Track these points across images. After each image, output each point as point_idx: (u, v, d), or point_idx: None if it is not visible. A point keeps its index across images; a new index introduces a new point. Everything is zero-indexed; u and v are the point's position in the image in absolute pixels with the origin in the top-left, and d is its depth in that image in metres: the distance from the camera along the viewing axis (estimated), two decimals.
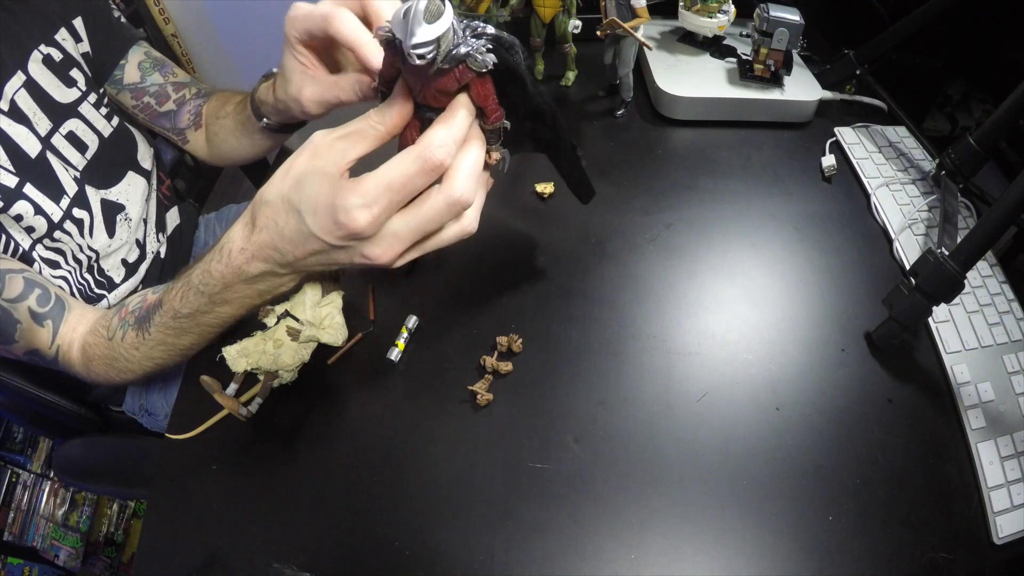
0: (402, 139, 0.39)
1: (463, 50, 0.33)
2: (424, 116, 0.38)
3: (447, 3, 0.32)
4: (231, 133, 0.70)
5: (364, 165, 0.37)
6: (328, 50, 0.50)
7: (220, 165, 0.79)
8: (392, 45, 0.34)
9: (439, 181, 0.37)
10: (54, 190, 0.58)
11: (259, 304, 0.46)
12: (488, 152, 0.40)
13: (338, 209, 0.35)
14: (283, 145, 0.77)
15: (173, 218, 0.80)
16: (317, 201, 0.36)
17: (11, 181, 0.54)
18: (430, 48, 0.32)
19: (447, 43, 0.32)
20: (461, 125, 0.36)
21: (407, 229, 0.37)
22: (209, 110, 0.72)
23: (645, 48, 0.73)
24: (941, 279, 0.48)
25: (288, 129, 0.64)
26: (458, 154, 0.37)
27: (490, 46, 0.34)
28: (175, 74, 0.72)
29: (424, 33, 0.31)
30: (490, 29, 0.34)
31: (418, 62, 0.32)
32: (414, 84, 0.36)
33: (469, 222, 0.40)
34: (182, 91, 0.72)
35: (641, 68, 0.80)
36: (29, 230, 0.56)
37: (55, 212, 0.57)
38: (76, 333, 0.54)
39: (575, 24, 0.72)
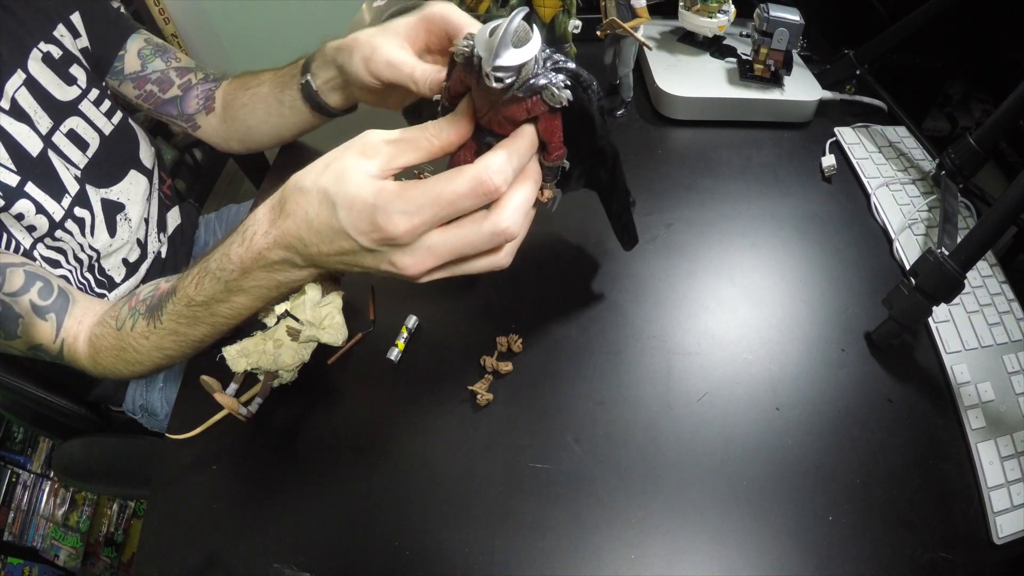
0: (453, 159, 0.38)
1: (541, 82, 0.32)
2: (483, 140, 0.36)
3: (535, 30, 0.31)
4: (262, 102, 0.66)
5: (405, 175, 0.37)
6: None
7: (236, 149, 0.74)
8: (469, 63, 0.32)
9: (487, 207, 0.36)
10: (55, 189, 0.58)
11: (275, 298, 0.45)
12: (541, 189, 0.38)
13: (378, 210, 0.34)
14: (282, 147, 0.77)
15: (174, 218, 0.80)
16: (356, 198, 0.35)
17: (12, 180, 0.54)
18: (510, 73, 0.31)
19: (527, 71, 0.31)
20: (524, 156, 0.35)
21: (443, 247, 0.36)
22: (230, 89, 0.70)
23: (645, 48, 0.73)
24: (941, 279, 0.48)
25: (321, 109, 0.62)
26: (513, 185, 0.35)
27: (568, 82, 0.33)
28: (178, 59, 0.71)
29: (509, 57, 0.30)
30: (571, 64, 0.33)
31: (495, 85, 0.31)
32: (481, 106, 0.35)
33: (505, 256, 0.39)
34: (187, 75, 0.70)
35: (641, 68, 0.80)
36: (30, 229, 0.56)
37: (56, 211, 0.57)
38: (82, 326, 0.52)
39: (575, 24, 0.71)
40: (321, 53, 0.58)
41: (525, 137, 0.35)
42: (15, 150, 0.55)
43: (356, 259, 0.38)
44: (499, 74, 0.31)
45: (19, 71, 0.56)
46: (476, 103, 0.36)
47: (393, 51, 0.48)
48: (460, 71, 0.35)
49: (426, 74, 0.45)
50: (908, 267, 0.53)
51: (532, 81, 0.32)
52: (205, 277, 0.44)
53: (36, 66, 0.58)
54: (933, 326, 0.54)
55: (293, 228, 0.38)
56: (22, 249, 0.55)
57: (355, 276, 0.58)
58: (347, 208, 0.35)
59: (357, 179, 0.35)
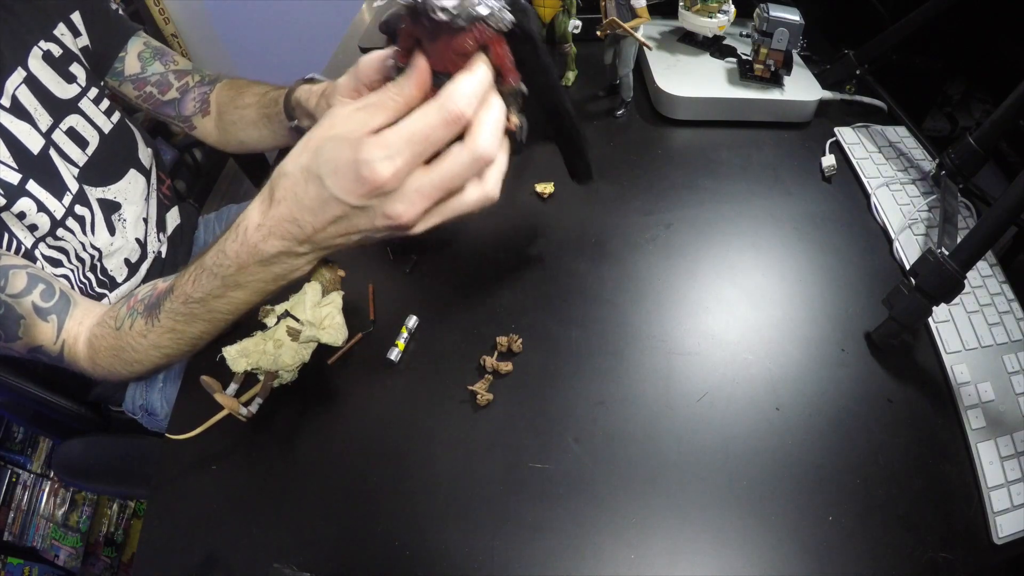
0: None
1: (482, 10, 0.34)
2: (443, 85, 0.38)
3: None
4: (252, 124, 0.69)
5: None
6: None
7: (234, 152, 0.78)
8: (414, 10, 0.34)
9: (461, 139, 0.37)
10: (56, 187, 0.58)
11: (273, 290, 0.45)
12: (508, 117, 0.39)
13: (360, 164, 0.35)
14: (282, 148, 0.77)
15: (173, 218, 0.80)
16: (338, 162, 0.35)
17: (14, 178, 0.54)
18: (454, 4, 0.33)
19: (467, 1, 0.34)
20: (481, 78, 0.36)
21: (430, 185, 0.36)
22: (222, 98, 0.72)
23: (645, 48, 0.73)
24: (941, 279, 0.48)
25: None
26: (479, 110, 0.36)
27: (508, 7, 0.35)
28: (176, 62, 0.72)
29: None
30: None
31: (441, 16, 0.33)
32: (431, 51, 0.37)
33: (492, 185, 0.39)
34: (184, 78, 0.72)
35: (641, 68, 0.80)
36: (32, 228, 0.56)
37: (57, 209, 0.57)
38: (82, 327, 0.53)
39: (575, 24, 0.72)
40: (298, 107, 0.61)
41: (477, 62, 0.36)
42: (16, 148, 0.55)
43: (351, 224, 0.38)
44: (442, 3, 0.33)
45: (20, 69, 0.56)
46: (426, 50, 0.37)
47: (343, 82, 0.52)
48: (407, 26, 0.37)
49: (373, 65, 0.48)
50: (908, 267, 0.53)
51: (473, 10, 0.34)
52: (202, 274, 0.44)
53: (36, 64, 0.58)
54: (933, 326, 0.54)
55: (285, 212, 0.38)
56: (23, 249, 0.55)
57: (355, 275, 0.59)
58: (332, 174, 0.36)
59: (335, 145, 0.36)
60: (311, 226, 0.38)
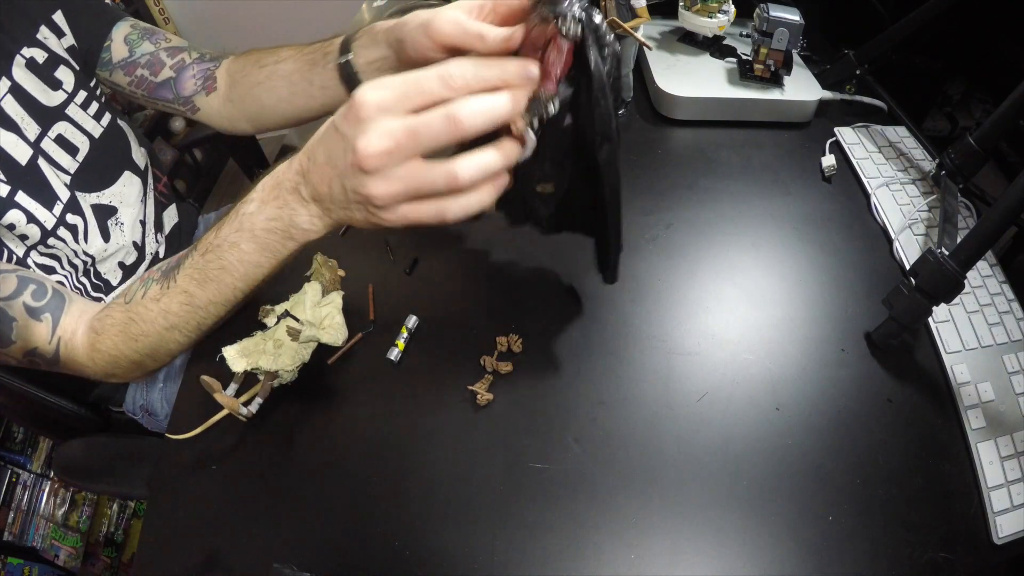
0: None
1: (566, 7, 0.34)
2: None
3: None
4: (284, 79, 0.63)
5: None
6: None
7: (245, 130, 0.70)
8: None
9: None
10: (47, 197, 0.57)
11: (281, 252, 0.45)
12: (517, 119, 0.37)
13: (356, 92, 0.36)
14: (282, 148, 0.77)
15: (171, 217, 0.79)
16: (350, 100, 0.37)
17: (2, 190, 0.53)
18: None
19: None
20: (498, 65, 0.36)
21: (400, 127, 0.36)
22: (235, 68, 0.66)
23: (645, 48, 0.73)
24: (941, 279, 0.48)
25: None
26: (484, 92, 0.36)
27: (582, 18, 0.35)
28: (168, 39, 0.67)
29: None
30: (597, 18, 0.35)
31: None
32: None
33: (464, 172, 0.37)
34: (179, 55, 0.66)
35: (641, 68, 0.80)
36: (23, 238, 0.55)
37: (48, 220, 0.57)
38: (81, 320, 0.51)
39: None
40: (368, 33, 0.56)
41: (515, 59, 0.37)
42: (3, 159, 0.54)
43: (335, 160, 0.39)
44: None
45: (3, 79, 0.55)
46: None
47: (460, 11, 0.45)
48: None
49: (497, 31, 0.41)
50: (908, 267, 0.53)
51: (560, 6, 0.34)
52: (225, 219, 0.45)
53: (21, 73, 0.57)
54: (933, 326, 0.54)
55: (309, 147, 0.41)
56: (15, 258, 0.55)
57: (355, 275, 0.59)
58: (342, 111, 0.38)
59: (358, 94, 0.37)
60: (314, 159, 0.40)
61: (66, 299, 0.52)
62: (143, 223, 0.71)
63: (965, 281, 0.48)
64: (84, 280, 0.63)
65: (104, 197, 0.65)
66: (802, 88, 0.74)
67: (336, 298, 0.52)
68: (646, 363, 0.53)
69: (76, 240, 0.61)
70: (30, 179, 0.56)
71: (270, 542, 0.45)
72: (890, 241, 0.62)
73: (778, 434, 0.49)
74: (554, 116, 0.37)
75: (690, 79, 0.75)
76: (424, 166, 0.37)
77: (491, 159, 0.38)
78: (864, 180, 0.68)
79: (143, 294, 0.49)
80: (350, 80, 0.58)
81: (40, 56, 0.59)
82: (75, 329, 0.51)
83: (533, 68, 0.36)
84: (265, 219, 0.43)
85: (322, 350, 0.51)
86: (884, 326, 0.53)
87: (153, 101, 0.68)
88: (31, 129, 0.57)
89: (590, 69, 0.36)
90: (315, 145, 0.41)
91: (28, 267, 0.56)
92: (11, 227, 0.53)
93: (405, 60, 0.51)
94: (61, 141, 0.60)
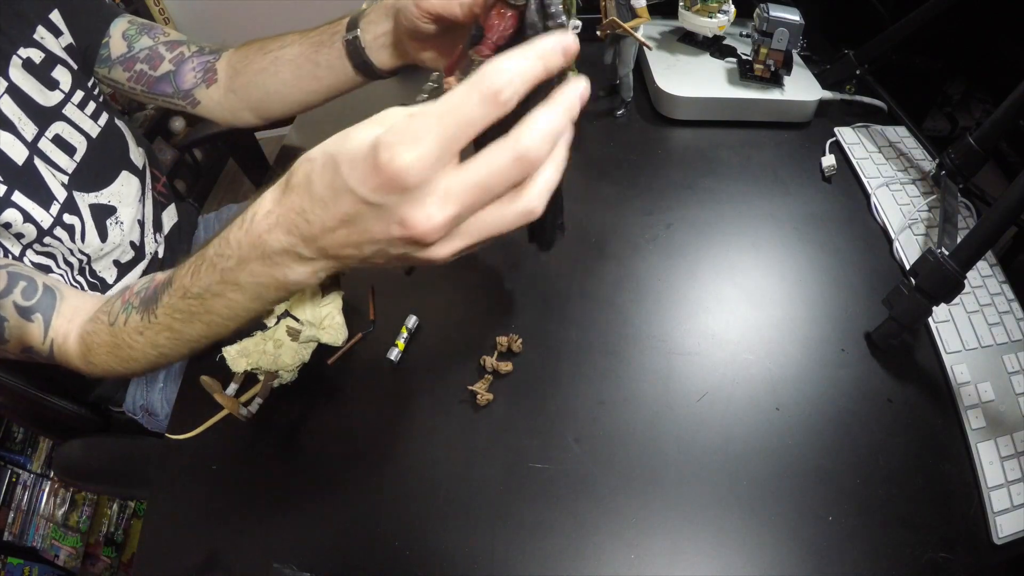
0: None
1: None
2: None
3: None
4: (289, 64, 0.62)
5: None
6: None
7: (248, 120, 0.68)
8: None
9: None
10: (43, 197, 0.57)
11: (274, 299, 0.40)
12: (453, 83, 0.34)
13: (380, 146, 0.28)
14: (282, 148, 0.77)
15: (170, 216, 0.79)
16: (360, 148, 0.29)
17: None
18: None
19: None
20: (532, 51, 0.29)
21: (461, 185, 0.29)
22: (239, 56, 0.66)
23: (645, 48, 0.73)
24: (941, 279, 0.48)
25: (366, 67, 0.58)
26: (537, 108, 0.30)
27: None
28: (167, 34, 0.66)
29: None
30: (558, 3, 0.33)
31: None
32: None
33: (532, 199, 0.31)
34: (178, 48, 0.66)
35: (641, 68, 0.80)
36: (18, 236, 0.55)
37: (45, 219, 0.56)
38: (72, 324, 0.50)
39: (575, 24, 0.71)
40: (376, 8, 0.55)
41: (531, 49, 0.29)
42: (0, 159, 0.54)
43: (363, 228, 0.31)
44: None
45: (0, 79, 0.55)
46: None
47: None
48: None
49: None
50: (908, 267, 0.53)
51: None
52: (202, 266, 0.40)
53: (17, 73, 0.57)
54: (933, 326, 0.54)
55: (296, 202, 0.32)
56: (10, 256, 0.55)
57: (355, 275, 0.59)
58: (349, 162, 0.29)
59: (363, 133, 0.30)
60: (319, 223, 0.32)
61: (56, 296, 0.51)
62: (141, 223, 0.71)
63: (965, 281, 0.48)
64: (80, 279, 0.63)
65: (102, 197, 0.65)
66: (802, 88, 0.74)
67: (336, 298, 0.52)
68: (646, 363, 0.53)
69: (73, 239, 0.60)
70: (27, 179, 0.56)
71: (270, 542, 0.45)
72: (890, 241, 0.62)
73: (778, 434, 0.49)
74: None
75: (690, 79, 0.75)
76: (494, 209, 0.31)
77: (553, 119, 0.30)
78: (864, 180, 0.68)
79: (124, 321, 0.46)
80: (356, 56, 0.57)
81: (37, 56, 0.59)
82: (67, 333, 0.50)
83: (570, 40, 0.31)
84: (250, 275, 0.37)
85: (322, 350, 0.51)
86: (884, 326, 0.53)
87: (153, 96, 0.67)
88: (28, 129, 0.57)
89: (526, 32, 0.34)
90: (311, 206, 0.32)
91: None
92: (7, 226, 0.53)
93: (401, 31, 0.52)
94: (58, 141, 0.60)
